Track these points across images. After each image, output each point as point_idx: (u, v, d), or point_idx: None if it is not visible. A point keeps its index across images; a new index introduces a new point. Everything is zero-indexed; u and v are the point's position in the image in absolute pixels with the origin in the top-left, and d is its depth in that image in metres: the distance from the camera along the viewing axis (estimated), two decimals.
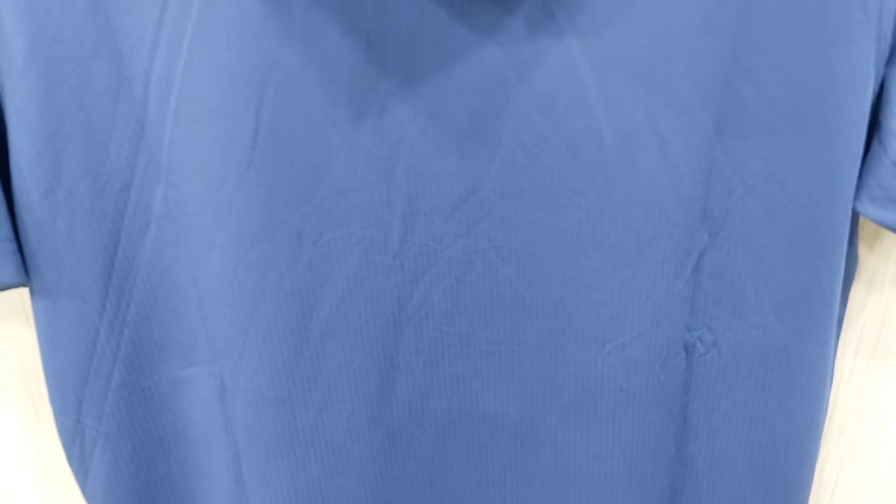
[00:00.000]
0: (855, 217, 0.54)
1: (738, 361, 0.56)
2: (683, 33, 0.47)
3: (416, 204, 0.51)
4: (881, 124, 0.50)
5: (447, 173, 0.50)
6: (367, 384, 0.55)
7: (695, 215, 0.52)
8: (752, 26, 0.47)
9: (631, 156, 0.50)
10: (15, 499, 0.69)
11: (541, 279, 0.53)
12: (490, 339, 0.55)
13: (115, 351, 0.54)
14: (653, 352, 0.55)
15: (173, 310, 0.54)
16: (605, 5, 0.46)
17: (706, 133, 0.50)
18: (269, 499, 0.56)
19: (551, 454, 0.58)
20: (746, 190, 0.51)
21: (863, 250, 0.60)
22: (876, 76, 0.49)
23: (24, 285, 0.53)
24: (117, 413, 0.55)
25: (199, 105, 0.47)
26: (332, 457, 0.56)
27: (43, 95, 0.47)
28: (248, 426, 0.55)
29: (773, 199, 0.51)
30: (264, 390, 0.54)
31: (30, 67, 0.47)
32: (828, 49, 0.47)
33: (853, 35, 0.47)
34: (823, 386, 0.57)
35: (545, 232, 0.52)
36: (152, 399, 0.56)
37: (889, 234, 0.61)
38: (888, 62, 0.49)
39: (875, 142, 0.51)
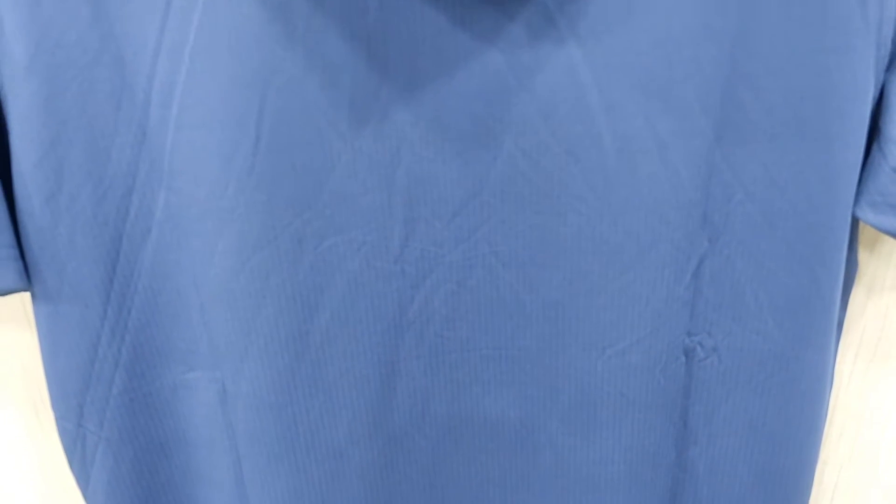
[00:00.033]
0: (855, 222, 0.54)
1: (737, 366, 0.56)
2: (683, 39, 0.47)
3: (417, 209, 0.51)
4: (881, 130, 0.50)
5: (448, 178, 0.51)
6: (367, 389, 0.55)
7: (695, 220, 0.52)
8: (752, 33, 0.47)
9: (631, 161, 0.50)
10: (16, 503, 0.69)
11: (541, 284, 0.53)
12: (490, 343, 0.55)
13: (117, 356, 0.54)
14: (653, 356, 0.55)
15: (175, 315, 0.54)
16: (605, 12, 0.47)
17: (706, 138, 0.50)
18: (271, 503, 0.56)
19: (551, 459, 0.58)
20: (746, 195, 0.51)
21: (863, 255, 0.61)
22: (876, 82, 0.49)
23: (25, 290, 0.53)
24: (119, 418, 0.55)
25: (200, 111, 0.48)
26: (333, 461, 0.56)
27: (45, 101, 0.48)
28: (250, 431, 0.55)
29: (773, 204, 0.51)
30: (265, 395, 0.54)
31: (32, 74, 0.47)
32: (828, 56, 0.48)
33: (853, 43, 0.47)
34: (823, 391, 0.57)
35: (546, 237, 0.52)
36: (154, 404, 0.56)
37: (889, 239, 0.61)
38: (888, 68, 0.49)
39: (875, 148, 0.51)
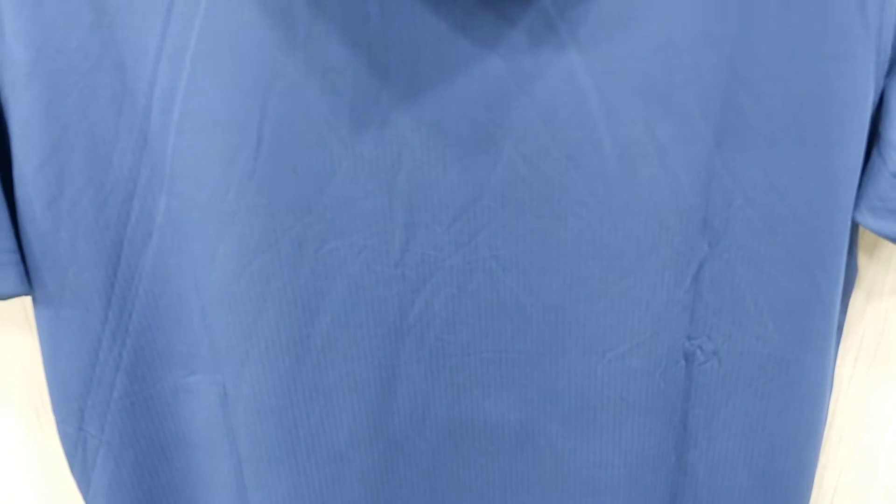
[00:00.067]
0: (854, 227, 0.54)
1: (737, 370, 0.56)
2: (683, 45, 0.47)
3: (418, 213, 0.51)
4: (881, 136, 0.50)
5: (449, 183, 0.51)
6: (368, 392, 0.55)
7: (695, 225, 0.52)
8: (752, 39, 0.47)
9: (631, 166, 0.50)
10: None
11: (541, 288, 0.53)
12: (491, 347, 0.55)
13: (118, 360, 0.54)
14: (653, 360, 0.55)
15: (176, 319, 0.54)
16: (606, 18, 0.47)
17: (706, 144, 0.50)
18: None
19: (552, 462, 0.58)
20: (746, 200, 0.51)
21: (862, 259, 0.61)
22: (876, 88, 0.49)
23: (27, 294, 0.53)
24: (120, 422, 0.55)
25: (202, 116, 0.48)
26: (334, 465, 0.56)
27: (46, 107, 0.48)
28: (250, 434, 0.55)
29: (773, 209, 0.51)
30: (266, 398, 0.54)
31: (33, 79, 0.47)
32: (828, 63, 0.48)
33: (853, 49, 0.47)
34: (823, 394, 0.57)
35: (546, 241, 0.52)
36: (155, 407, 0.56)
37: (888, 244, 0.61)
38: (888, 74, 0.49)
39: (874, 153, 0.51)
